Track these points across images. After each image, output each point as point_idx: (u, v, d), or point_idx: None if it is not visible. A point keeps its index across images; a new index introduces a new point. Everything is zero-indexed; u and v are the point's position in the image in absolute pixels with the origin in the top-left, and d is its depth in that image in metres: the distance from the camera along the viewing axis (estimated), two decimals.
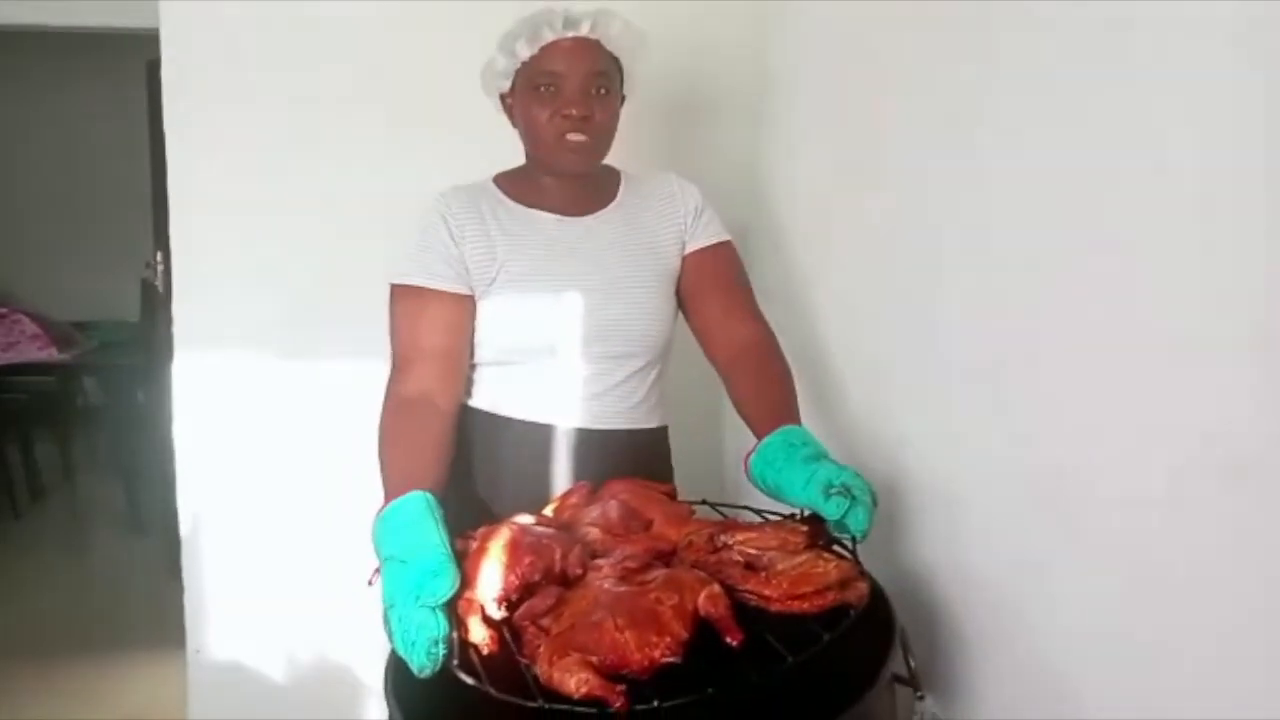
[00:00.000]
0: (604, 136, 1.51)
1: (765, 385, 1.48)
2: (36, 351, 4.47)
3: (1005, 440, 1.26)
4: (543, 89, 1.46)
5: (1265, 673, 0.88)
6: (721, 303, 1.57)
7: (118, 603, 3.47)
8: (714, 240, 1.59)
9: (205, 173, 2.05)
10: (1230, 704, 0.92)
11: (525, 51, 1.47)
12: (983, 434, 1.31)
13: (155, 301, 3.90)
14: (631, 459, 1.50)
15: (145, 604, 3.26)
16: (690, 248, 1.58)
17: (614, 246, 1.53)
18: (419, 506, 1.20)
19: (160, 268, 3.57)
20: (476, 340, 1.49)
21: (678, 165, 1.73)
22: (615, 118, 1.52)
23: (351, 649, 2.14)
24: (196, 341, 2.09)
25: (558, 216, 1.53)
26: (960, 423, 1.37)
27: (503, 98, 1.55)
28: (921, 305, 1.47)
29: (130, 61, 3.57)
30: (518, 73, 1.50)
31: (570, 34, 1.46)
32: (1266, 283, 0.86)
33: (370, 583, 1.19)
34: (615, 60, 1.51)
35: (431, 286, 1.46)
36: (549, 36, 1.46)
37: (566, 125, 1.46)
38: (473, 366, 1.51)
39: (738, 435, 1.41)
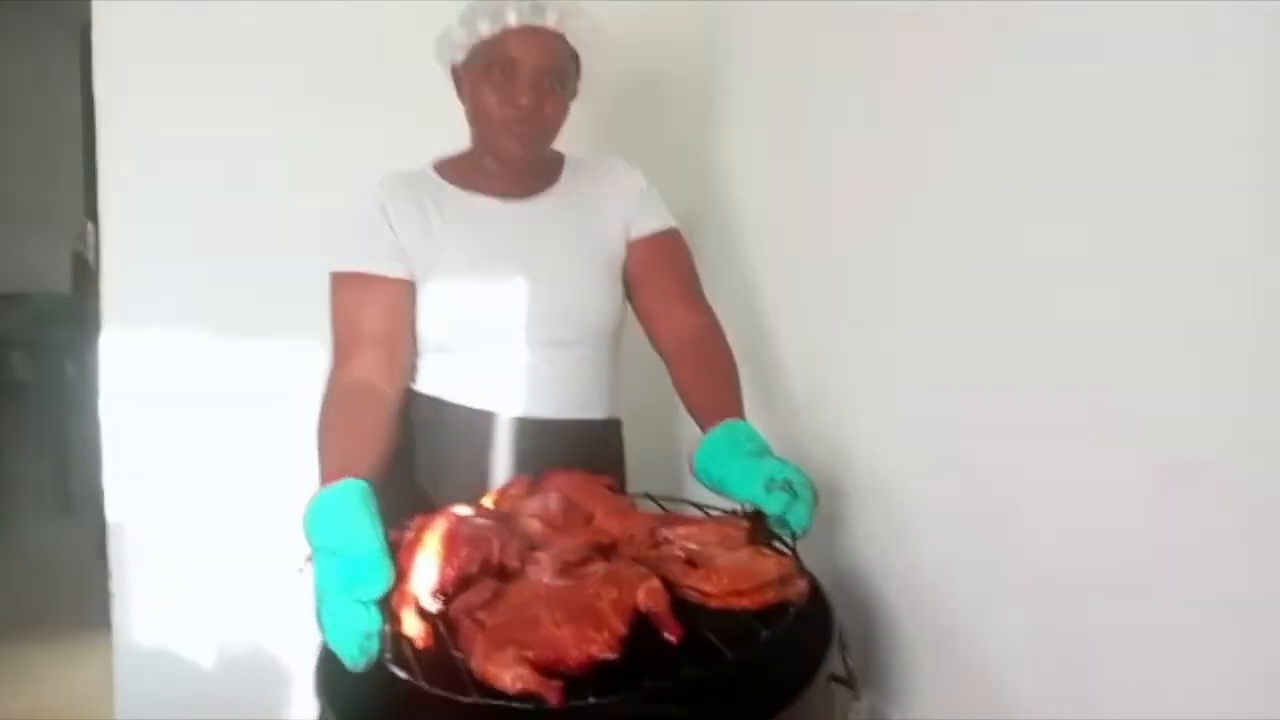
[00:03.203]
0: (549, 130, 1.49)
1: (710, 377, 1.47)
2: None
3: (946, 439, 1.27)
4: (496, 71, 1.43)
5: (1202, 671, 0.89)
6: (666, 290, 1.56)
7: (43, 585, 3.36)
8: (660, 227, 1.58)
9: (137, 142, 1.98)
10: (1165, 702, 0.93)
11: (486, 29, 1.43)
12: (924, 433, 1.32)
13: (87, 274, 3.78)
14: (577, 451, 1.48)
15: (72, 586, 3.15)
16: (635, 233, 1.57)
17: (556, 230, 1.51)
18: (353, 495, 1.17)
19: (92, 239, 3.46)
20: (418, 326, 1.47)
21: (624, 151, 1.70)
22: (563, 113, 1.49)
23: (282, 637, 2.10)
24: (126, 315, 2.03)
25: (499, 200, 1.51)
26: (902, 421, 1.37)
27: (453, 69, 1.51)
28: (866, 302, 1.47)
29: (61, 27, 3.46)
30: (473, 49, 1.46)
31: (535, 21, 1.42)
32: (1211, 282, 0.86)
33: (301, 570, 1.16)
34: (574, 57, 1.48)
35: (372, 271, 1.43)
36: (512, 20, 1.42)
37: (514, 114, 1.43)
38: (416, 353, 1.48)
39: (691, 429, 1.41)
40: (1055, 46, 1.05)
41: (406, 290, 1.45)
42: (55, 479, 4.07)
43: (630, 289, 1.58)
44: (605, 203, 1.56)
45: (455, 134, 1.54)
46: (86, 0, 1.97)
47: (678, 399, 1.48)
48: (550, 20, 1.43)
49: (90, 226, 3.54)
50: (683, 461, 1.34)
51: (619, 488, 1.43)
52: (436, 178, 1.53)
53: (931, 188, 1.28)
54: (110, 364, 2.05)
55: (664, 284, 1.56)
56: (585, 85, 1.52)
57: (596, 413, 1.56)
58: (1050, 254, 1.06)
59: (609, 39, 1.49)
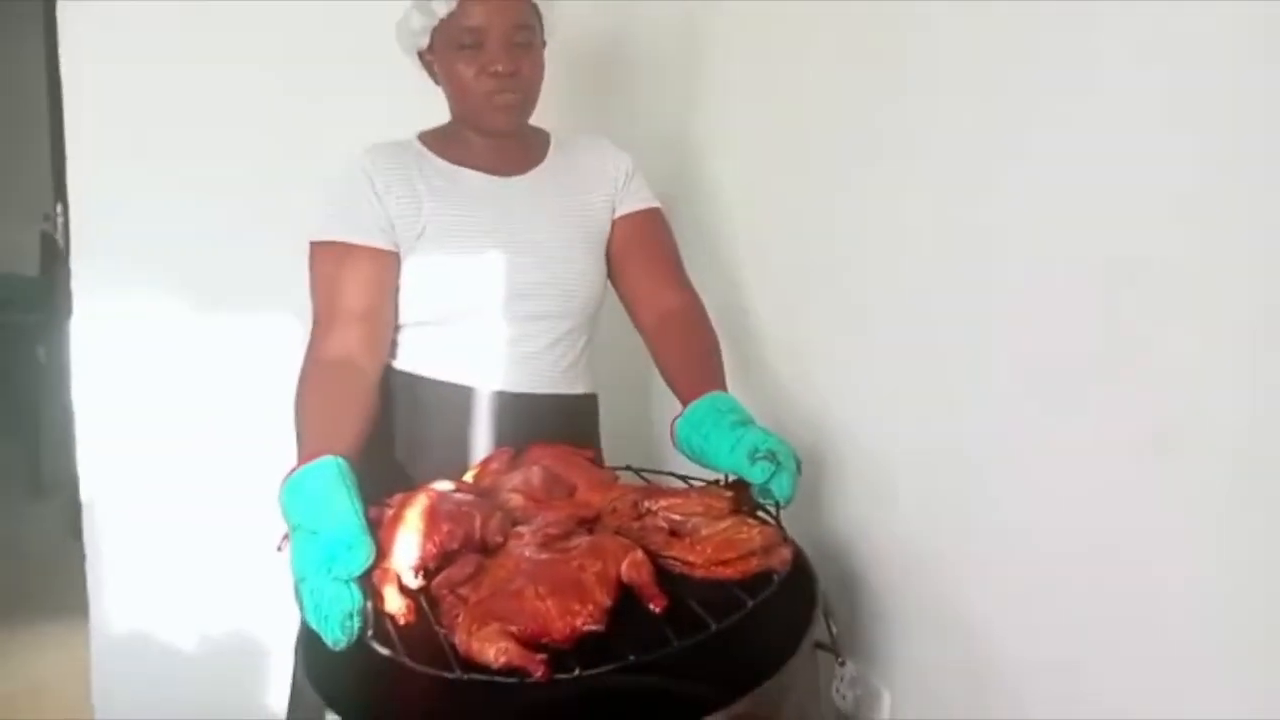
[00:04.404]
0: (532, 90, 1.48)
1: (692, 352, 1.46)
2: None
3: (928, 407, 1.27)
4: (465, 45, 1.42)
5: (1181, 635, 0.90)
6: (650, 269, 1.55)
7: (17, 568, 3.33)
8: (644, 206, 1.57)
9: (106, 119, 1.94)
10: (1152, 669, 0.93)
11: (443, 8, 1.42)
12: (906, 402, 1.32)
13: (55, 255, 3.73)
14: (556, 425, 1.47)
15: (46, 570, 3.13)
16: (620, 212, 1.56)
17: (542, 207, 1.50)
18: (330, 472, 1.15)
19: (60, 220, 3.41)
20: (400, 300, 1.45)
21: (605, 126, 1.70)
22: (541, 68, 1.48)
23: (261, 618, 2.08)
24: (97, 296, 2.00)
25: (486, 175, 1.50)
26: (884, 390, 1.37)
27: (421, 55, 1.50)
28: (848, 276, 1.46)
29: (25, 3, 3.39)
30: (436, 30, 1.44)
31: None
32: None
33: (279, 549, 1.14)
34: (534, 8, 1.47)
35: (355, 242, 1.41)
36: None
37: (494, 84, 1.42)
38: (397, 327, 1.46)
39: (665, 404, 1.40)
40: (1046, 38, 1.04)
41: (390, 262, 1.43)
42: (27, 462, 4.02)
43: (613, 267, 1.57)
44: (591, 181, 1.55)
45: (435, 119, 1.52)
46: None
47: (650, 376, 1.48)
48: None
49: (58, 208, 3.50)
50: (656, 435, 1.36)
51: (598, 459, 1.42)
52: (424, 149, 1.51)
53: (916, 160, 1.27)
54: (82, 347, 2.02)
55: (647, 262, 1.56)
56: (549, 30, 1.50)
57: (576, 388, 1.55)
58: (1033, 227, 1.06)
59: None
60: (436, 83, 1.50)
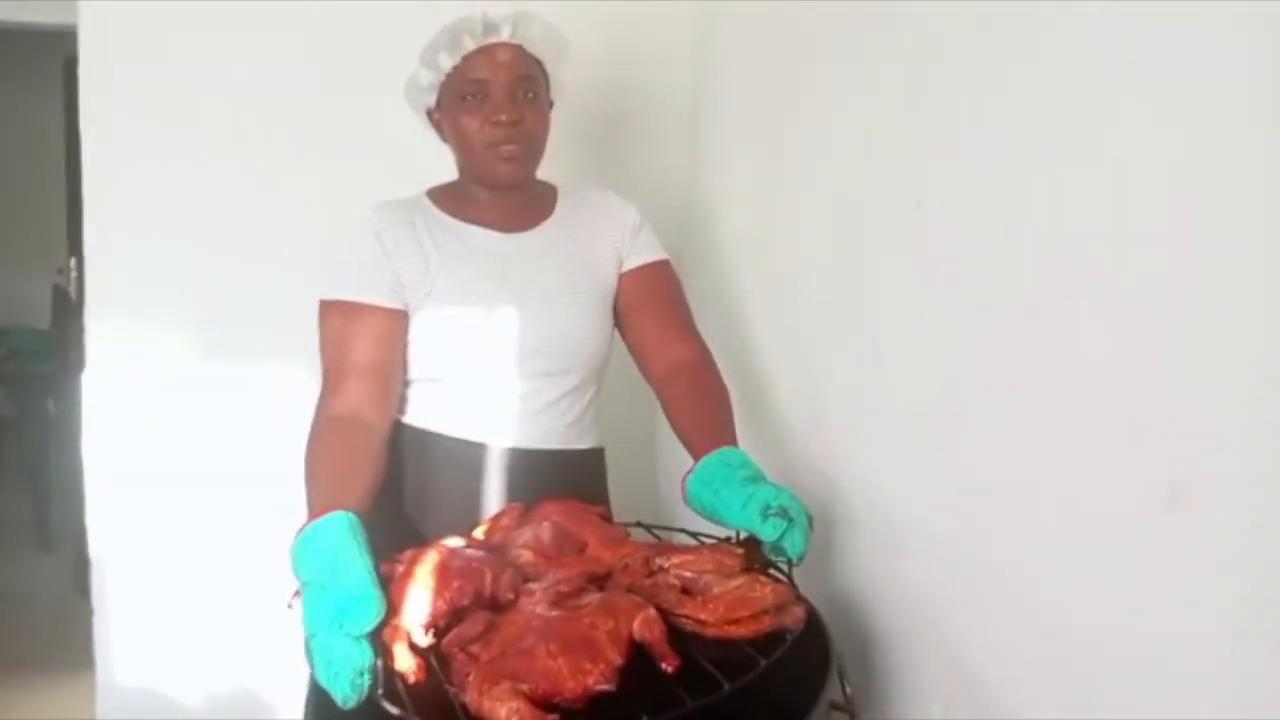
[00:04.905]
0: (537, 142, 1.49)
1: (702, 405, 1.46)
2: None
3: (941, 463, 1.26)
4: (469, 98, 1.44)
5: (1199, 695, 0.88)
6: (658, 320, 1.56)
7: (23, 622, 3.32)
8: (652, 258, 1.58)
9: (122, 176, 1.97)
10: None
11: (448, 62, 1.44)
12: (919, 457, 1.31)
13: (67, 308, 3.76)
14: (565, 480, 1.47)
15: (52, 624, 3.12)
16: (628, 265, 1.57)
17: (550, 262, 1.51)
18: (341, 528, 1.15)
19: (74, 273, 3.44)
20: (409, 356, 1.45)
21: (612, 183, 1.71)
22: (546, 122, 1.50)
23: (270, 675, 2.07)
24: (109, 350, 2.02)
25: (494, 232, 1.51)
26: (896, 446, 1.37)
27: (429, 113, 1.52)
28: (860, 327, 1.47)
29: (46, 59, 3.45)
30: (443, 86, 1.47)
31: (491, 39, 1.44)
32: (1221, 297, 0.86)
33: (290, 605, 1.14)
34: (539, 64, 1.49)
35: (363, 301, 1.42)
36: (469, 44, 1.43)
37: (498, 134, 1.43)
38: (406, 383, 1.47)
39: (673, 457, 1.40)
40: (1056, 64, 1.05)
41: (399, 320, 1.43)
42: (35, 515, 4.02)
43: (621, 319, 1.57)
44: (599, 236, 1.56)
45: (443, 172, 1.54)
46: (71, 34, 1.97)
47: (656, 429, 1.48)
48: (505, 34, 1.44)
49: (71, 261, 3.53)
50: (661, 488, 1.35)
51: (609, 516, 1.42)
52: (432, 206, 1.52)
53: (928, 211, 1.28)
54: (93, 400, 2.03)
55: (655, 314, 1.56)
56: (556, 91, 1.53)
57: (584, 442, 1.55)
58: (1046, 276, 1.06)
59: (566, 41, 1.50)
60: (444, 140, 1.52)
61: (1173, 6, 0.89)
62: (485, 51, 1.43)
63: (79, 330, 2.05)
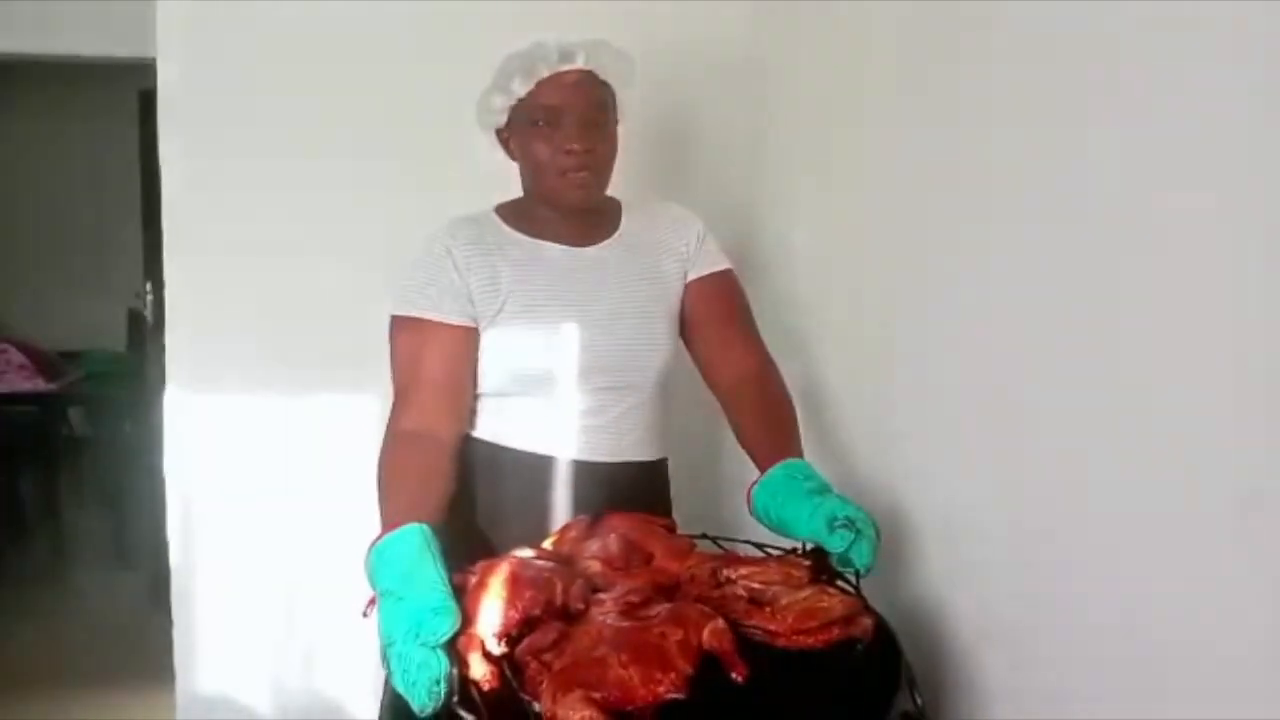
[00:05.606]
0: (605, 168, 1.51)
1: (767, 415, 1.47)
2: (23, 382, 4.42)
3: (1010, 472, 1.26)
4: (541, 124, 1.46)
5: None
6: (722, 331, 1.57)
7: (103, 637, 3.40)
8: (716, 268, 1.59)
9: (200, 205, 2.04)
10: None
11: (521, 88, 1.46)
12: (987, 466, 1.31)
13: (144, 331, 3.87)
14: (630, 491, 1.48)
15: (131, 638, 3.19)
16: (692, 275, 1.58)
17: (617, 277, 1.53)
18: (416, 540, 1.18)
19: (150, 297, 3.54)
20: (480, 370, 1.48)
21: (675, 196, 1.73)
22: (615, 146, 1.52)
23: (346, 684, 2.10)
24: (189, 373, 2.07)
25: (564, 247, 1.53)
26: (964, 456, 1.36)
27: (498, 133, 1.55)
28: (925, 336, 1.46)
29: (123, 91, 3.57)
30: (513, 108, 1.49)
31: (566, 66, 1.46)
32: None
33: (365, 614, 1.17)
34: (609, 89, 1.51)
35: (435, 318, 1.44)
36: (544, 71, 1.45)
37: (570, 162, 1.45)
38: (476, 397, 1.50)
39: (737, 467, 1.41)
40: (1130, 98, 1.05)
41: (469, 336, 1.46)
42: (113, 533, 4.12)
43: (686, 329, 1.59)
44: (664, 249, 1.58)
45: (512, 188, 1.57)
46: (148, 65, 2.04)
47: (721, 440, 1.48)
48: (580, 61, 1.46)
49: (148, 285, 3.64)
50: (725, 500, 1.35)
51: (674, 527, 1.43)
52: (501, 224, 1.55)
53: (994, 225, 1.28)
54: (173, 419, 2.09)
55: (719, 324, 1.57)
56: (621, 112, 1.54)
57: (649, 454, 1.57)
58: (1114, 289, 1.05)
59: (634, 64, 1.52)
60: (512, 159, 1.54)
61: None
62: (557, 78, 1.45)
63: (155, 353, 2.11)
